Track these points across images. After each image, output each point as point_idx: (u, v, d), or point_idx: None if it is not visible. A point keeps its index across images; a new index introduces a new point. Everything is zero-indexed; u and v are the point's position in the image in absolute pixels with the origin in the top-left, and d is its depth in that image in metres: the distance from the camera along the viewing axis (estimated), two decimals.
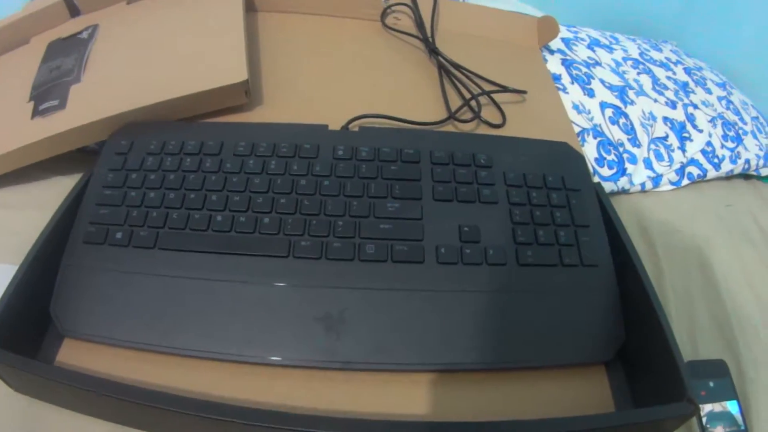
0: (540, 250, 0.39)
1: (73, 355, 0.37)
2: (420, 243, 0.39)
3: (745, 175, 0.69)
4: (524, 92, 0.53)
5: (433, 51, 0.56)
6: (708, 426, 0.39)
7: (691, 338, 0.46)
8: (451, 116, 0.50)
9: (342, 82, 0.53)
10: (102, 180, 0.42)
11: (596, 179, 0.54)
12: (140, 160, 0.43)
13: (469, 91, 0.52)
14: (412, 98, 0.53)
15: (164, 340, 0.36)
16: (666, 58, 0.71)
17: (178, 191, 0.41)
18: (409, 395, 0.36)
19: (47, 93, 0.48)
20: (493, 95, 0.52)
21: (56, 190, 0.43)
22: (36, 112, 0.46)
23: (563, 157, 0.45)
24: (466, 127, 0.50)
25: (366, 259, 0.38)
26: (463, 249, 0.39)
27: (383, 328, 0.36)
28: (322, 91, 0.52)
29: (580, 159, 0.46)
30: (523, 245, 0.40)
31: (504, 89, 0.53)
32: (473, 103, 0.51)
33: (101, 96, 0.46)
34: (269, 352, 0.35)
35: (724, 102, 0.68)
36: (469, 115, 0.50)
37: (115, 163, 0.43)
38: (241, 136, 0.44)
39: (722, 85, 0.71)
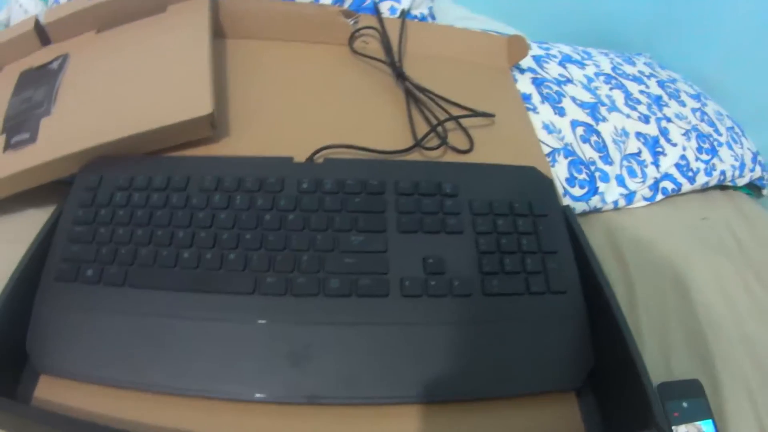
0: (506, 279, 0.40)
1: (49, 391, 0.37)
2: (384, 276, 0.39)
3: (721, 186, 0.69)
4: (492, 115, 0.53)
5: (400, 75, 0.56)
6: None
7: (665, 357, 0.46)
8: (417, 144, 0.50)
9: (309, 110, 0.53)
10: (72, 216, 0.42)
11: (567, 200, 0.54)
12: (109, 195, 0.43)
13: (436, 117, 0.52)
14: (379, 125, 0.53)
15: (135, 377, 0.36)
16: (639, 71, 0.72)
17: (146, 227, 0.41)
18: (377, 428, 0.36)
19: (19, 126, 0.48)
20: (460, 120, 0.52)
21: (30, 223, 0.43)
22: (8, 146, 0.46)
23: (531, 182, 0.46)
24: (433, 155, 0.50)
25: (330, 294, 0.38)
26: (427, 281, 0.39)
27: (349, 362, 0.36)
28: (290, 119, 0.52)
29: (548, 183, 0.46)
30: (489, 275, 0.40)
31: (472, 113, 0.53)
32: (440, 129, 0.51)
33: (70, 130, 0.46)
34: (237, 388, 0.35)
35: (698, 114, 0.69)
36: (435, 142, 0.50)
37: (84, 198, 0.43)
38: (208, 170, 0.44)
39: (696, 97, 0.72)
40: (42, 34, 0.55)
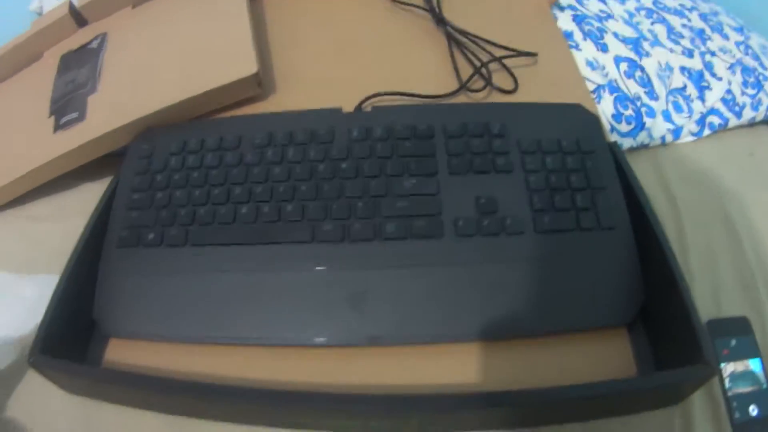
0: (557, 216, 0.39)
1: (119, 353, 0.39)
2: (438, 217, 0.39)
3: None
4: (535, 54, 0.53)
5: (440, 21, 0.55)
6: (730, 385, 0.38)
7: (715, 295, 0.45)
8: (463, 86, 0.49)
9: (352, 60, 0.53)
10: (129, 184, 0.44)
11: (614, 137, 0.53)
12: (164, 161, 0.44)
13: (479, 59, 0.52)
14: (422, 71, 0.52)
15: (201, 331, 0.38)
16: (680, 4, 0.69)
17: (203, 188, 0.42)
18: (434, 367, 0.37)
19: (66, 106, 0.49)
20: (503, 60, 0.52)
21: (86, 198, 0.45)
22: (57, 126, 0.48)
23: (577, 120, 0.45)
24: (479, 96, 0.50)
25: (387, 237, 0.39)
26: (480, 220, 0.39)
27: (407, 303, 0.37)
28: (334, 71, 0.53)
29: (594, 120, 0.45)
30: (540, 212, 0.40)
31: (514, 53, 0.52)
32: (484, 70, 0.50)
33: (118, 104, 0.48)
34: (300, 335, 0.37)
35: (742, 47, 0.66)
36: (480, 84, 0.50)
37: (139, 167, 0.44)
38: (258, 128, 0.45)
39: (740, 30, 0.69)
40: (77, 16, 0.56)
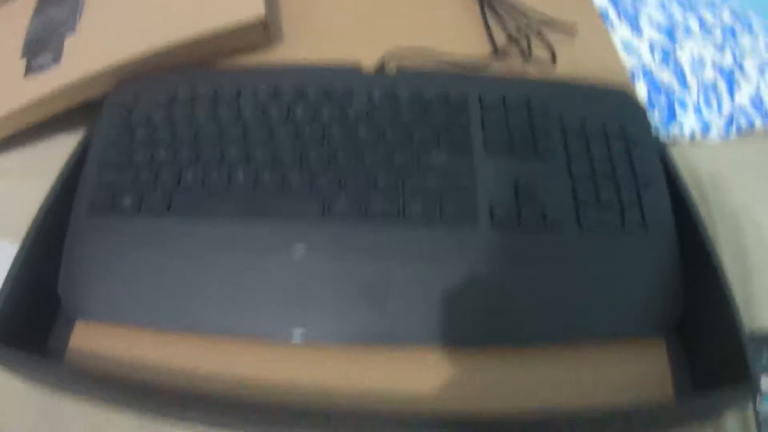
0: (602, 211, 0.35)
1: (86, 339, 0.34)
2: (472, 200, 0.34)
3: None
4: (574, 26, 0.49)
5: None
6: (762, 401, 0.35)
7: (748, 304, 0.42)
8: (497, 54, 0.45)
9: (374, 14, 0.48)
10: (105, 138, 0.37)
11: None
12: (147, 113, 0.38)
13: (515, 26, 0.47)
14: (451, 34, 0.47)
15: (183, 319, 0.32)
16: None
17: (192, 147, 0.36)
18: (455, 373, 0.33)
19: (40, 47, 0.44)
20: (541, 30, 0.47)
21: (60, 153, 0.39)
22: (29, 69, 0.42)
23: (622, 106, 0.41)
24: (513, 65, 0.46)
25: (411, 219, 0.34)
26: (518, 207, 0.34)
27: (430, 301, 0.32)
28: (352, 24, 0.47)
29: (641, 109, 0.41)
30: (584, 204, 0.35)
31: (553, 23, 0.48)
32: (522, 38, 0.46)
33: (99, 46, 0.42)
34: (302, 330, 0.32)
35: None
36: (516, 53, 0.46)
37: (119, 118, 0.38)
38: (262, 81, 0.39)
39: None
40: None
